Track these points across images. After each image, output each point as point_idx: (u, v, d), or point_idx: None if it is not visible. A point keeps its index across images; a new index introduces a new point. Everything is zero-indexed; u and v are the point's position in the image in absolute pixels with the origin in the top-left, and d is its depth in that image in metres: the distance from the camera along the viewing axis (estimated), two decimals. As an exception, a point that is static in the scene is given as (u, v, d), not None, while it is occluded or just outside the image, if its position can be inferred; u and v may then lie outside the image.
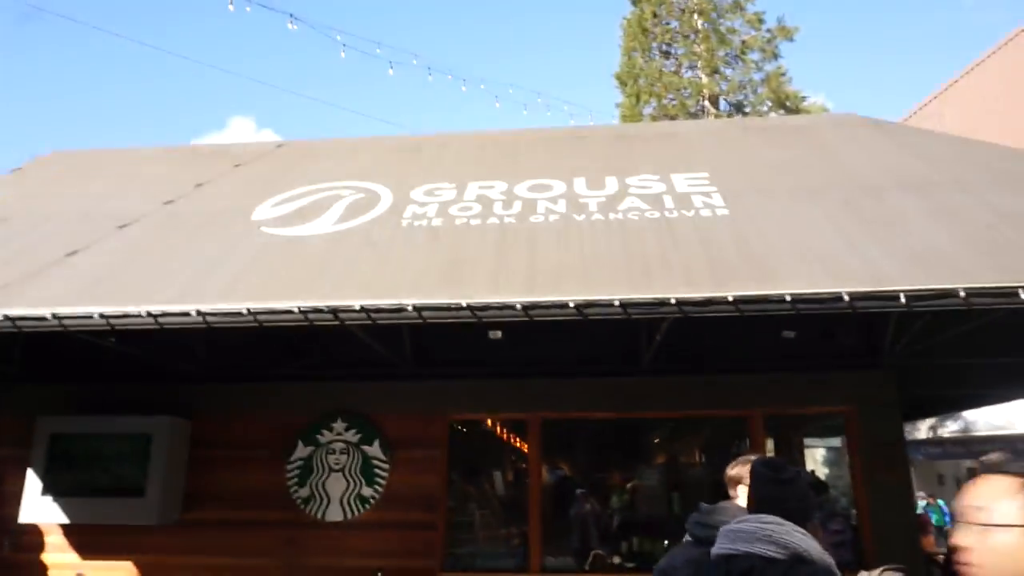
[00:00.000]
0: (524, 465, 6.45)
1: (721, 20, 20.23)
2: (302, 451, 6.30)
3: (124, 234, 5.58)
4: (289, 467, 6.27)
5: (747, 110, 19.85)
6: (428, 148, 7.29)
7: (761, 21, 19.92)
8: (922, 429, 16.50)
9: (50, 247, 5.36)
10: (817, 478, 7.95)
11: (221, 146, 9.07)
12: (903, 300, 3.72)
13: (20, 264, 5.04)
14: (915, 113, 20.57)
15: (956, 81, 19.17)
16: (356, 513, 6.11)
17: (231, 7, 9.37)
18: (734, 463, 3.06)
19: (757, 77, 19.85)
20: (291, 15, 9.59)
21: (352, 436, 6.29)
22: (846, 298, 3.74)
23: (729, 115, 19.74)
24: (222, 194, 6.43)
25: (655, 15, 20.38)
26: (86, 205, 6.36)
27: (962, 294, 3.69)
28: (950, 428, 15.98)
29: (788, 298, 3.76)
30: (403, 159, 6.92)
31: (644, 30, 20.39)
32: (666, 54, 20.81)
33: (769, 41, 19.77)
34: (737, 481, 2.95)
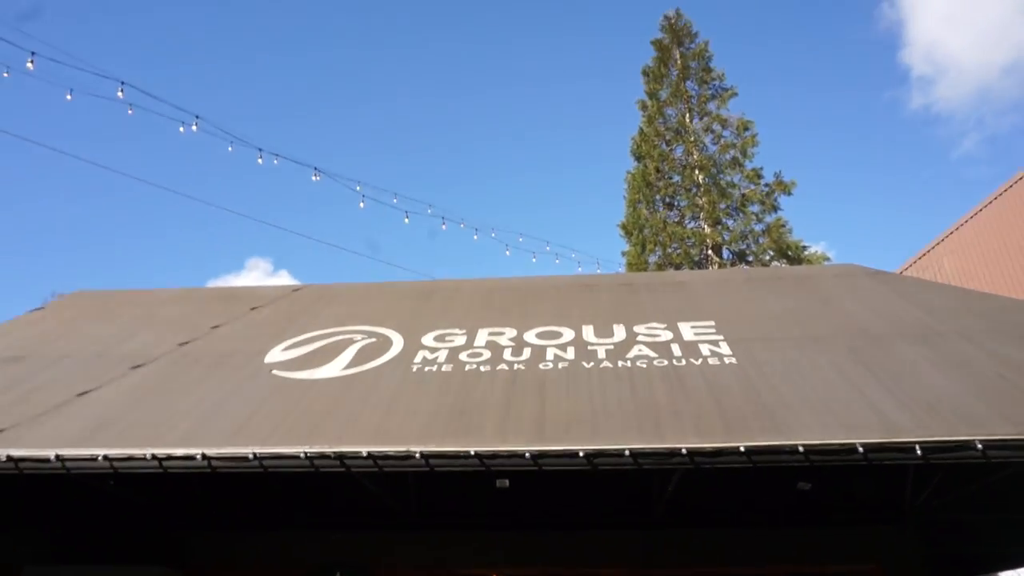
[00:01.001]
0: (531, 627, 6.05)
1: (721, 175, 21.29)
2: (297, 608, 5.95)
3: (136, 375, 5.64)
4: (282, 626, 5.90)
5: (750, 259, 20.40)
6: (439, 294, 7.48)
7: (760, 176, 20.94)
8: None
9: (62, 387, 5.40)
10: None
11: (239, 289, 9.35)
12: (919, 452, 3.67)
13: (31, 404, 5.07)
14: (916, 262, 21.11)
15: (954, 231, 19.82)
16: None
17: (259, 160, 10.03)
18: None
19: (758, 228, 20.57)
20: (315, 168, 10.23)
21: (351, 592, 5.96)
22: (860, 449, 3.69)
23: (732, 264, 20.27)
24: (236, 336, 6.55)
25: (658, 170, 21.49)
26: (102, 345, 6.47)
27: (979, 446, 3.64)
28: (987, 592, 14.96)
29: (801, 449, 3.71)
30: (415, 304, 7.09)
31: (648, 183, 21.44)
32: (669, 205, 21.74)
33: (768, 195, 20.67)
34: None
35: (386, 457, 3.92)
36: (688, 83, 22.24)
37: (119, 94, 8.29)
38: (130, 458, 4.12)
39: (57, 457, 4.13)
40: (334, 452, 3.95)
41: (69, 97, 8.19)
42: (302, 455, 3.95)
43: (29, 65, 7.65)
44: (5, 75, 7.75)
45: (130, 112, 8.56)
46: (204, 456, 4.04)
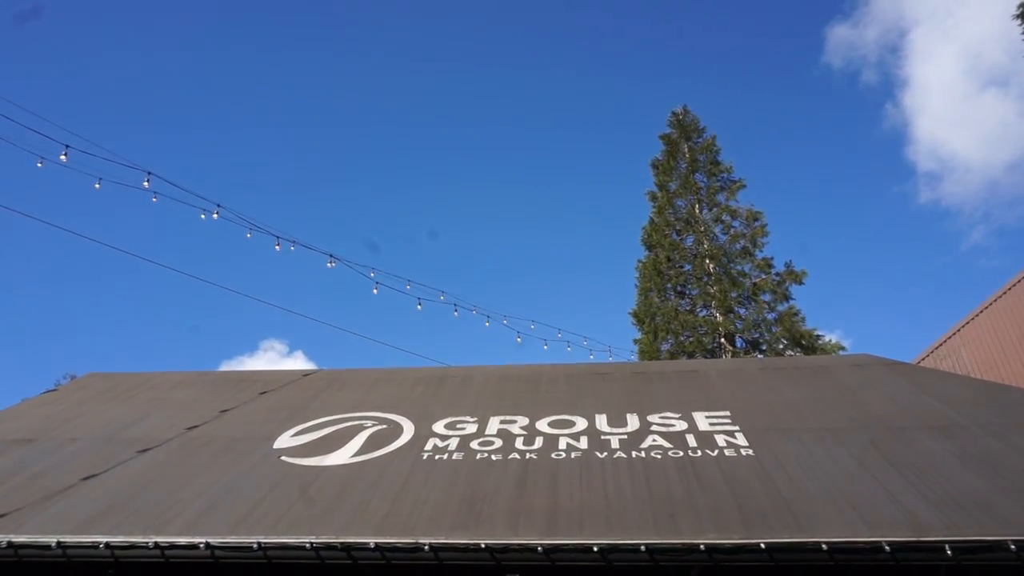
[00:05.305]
0: None
1: (732, 265, 21.42)
2: None
3: (143, 459, 5.57)
4: None
5: (763, 347, 20.23)
6: (451, 380, 7.44)
7: (770, 266, 21.03)
8: None
9: (69, 470, 5.34)
10: None
11: (250, 372, 9.33)
12: (949, 552, 3.52)
13: (36, 488, 5.00)
14: (933, 351, 20.82)
15: (971, 320, 19.60)
16: None
17: (277, 247, 10.24)
18: None
19: (770, 317, 20.48)
20: (331, 255, 10.39)
21: None
22: (887, 548, 3.55)
23: (746, 352, 20.11)
24: (245, 421, 6.49)
25: (669, 259, 21.68)
26: (111, 428, 6.43)
27: (1012, 547, 3.50)
28: None
29: (825, 547, 3.58)
30: (427, 391, 7.04)
31: (659, 272, 21.58)
32: (681, 294, 21.80)
33: (779, 284, 20.70)
34: None
35: (394, 549, 3.81)
36: (697, 175, 22.75)
37: (145, 184, 8.57)
38: (132, 546, 4.03)
39: (59, 544, 4.05)
40: (341, 543, 3.85)
41: (97, 186, 8.47)
42: (308, 545, 3.85)
43: (63, 157, 7.98)
44: (39, 165, 8.06)
45: (154, 200, 8.81)
46: (208, 545, 3.95)
